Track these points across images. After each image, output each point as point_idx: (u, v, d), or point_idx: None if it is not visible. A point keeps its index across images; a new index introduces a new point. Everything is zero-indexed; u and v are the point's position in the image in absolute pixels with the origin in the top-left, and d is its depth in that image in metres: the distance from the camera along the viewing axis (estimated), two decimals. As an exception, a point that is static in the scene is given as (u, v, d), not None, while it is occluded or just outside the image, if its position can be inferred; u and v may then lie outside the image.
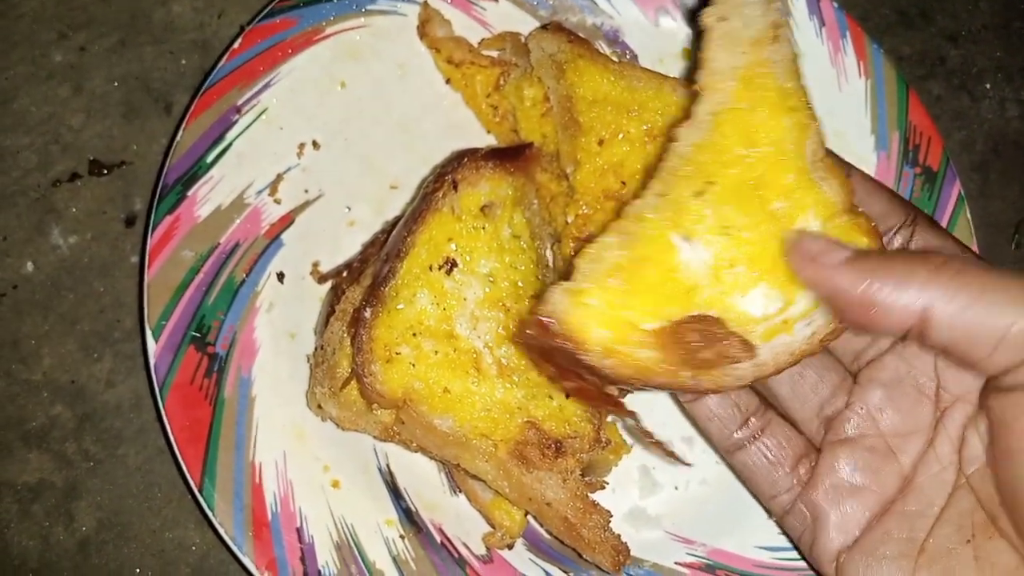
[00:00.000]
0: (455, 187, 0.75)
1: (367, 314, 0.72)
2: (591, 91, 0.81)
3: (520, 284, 0.75)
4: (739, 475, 0.72)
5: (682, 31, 0.93)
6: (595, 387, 0.60)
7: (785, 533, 0.73)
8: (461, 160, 0.76)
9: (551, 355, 0.58)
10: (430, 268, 0.73)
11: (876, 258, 0.55)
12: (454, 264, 0.74)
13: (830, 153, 0.61)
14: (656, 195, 0.59)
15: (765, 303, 0.57)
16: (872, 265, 0.54)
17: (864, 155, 0.89)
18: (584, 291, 0.56)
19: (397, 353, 0.72)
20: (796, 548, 0.71)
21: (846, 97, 0.91)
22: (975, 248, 0.86)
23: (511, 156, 0.78)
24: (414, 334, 0.72)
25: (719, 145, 0.59)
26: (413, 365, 0.71)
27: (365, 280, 0.77)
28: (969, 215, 0.88)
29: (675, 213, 0.58)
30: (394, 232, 0.77)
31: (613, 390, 0.63)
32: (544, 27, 0.86)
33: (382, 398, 0.72)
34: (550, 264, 0.80)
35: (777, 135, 0.59)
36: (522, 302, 0.75)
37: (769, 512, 0.72)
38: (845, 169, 0.67)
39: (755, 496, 0.72)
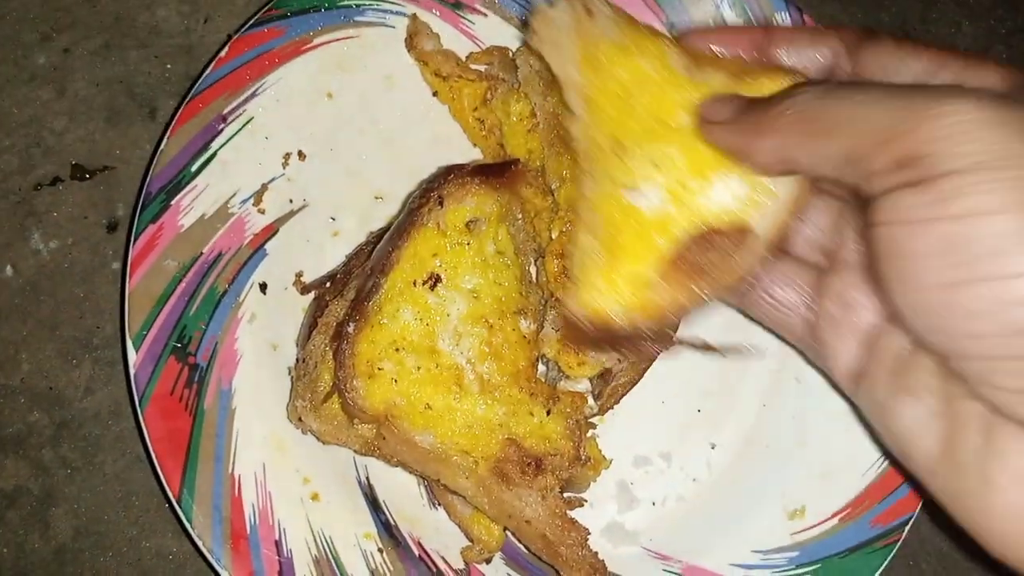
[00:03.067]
0: (441, 203, 0.75)
1: (350, 329, 0.72)
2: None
3: (503, 300, 0.75)
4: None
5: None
6: (649, 342, 0.66)
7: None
8: (447, 176, 0.76)
9: (601, 343, 0.67)
10: (414, 283, 0.73)
11: (754, 104, 0.56)
12: (438, 279, 0.74)
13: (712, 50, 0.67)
14: (588, 176, 0.65)
15: (730, 189, 0.61)
16: (749, 113, 0.56)
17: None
18: (588, 281, 0.64)
19: (379, 368, 0.72)
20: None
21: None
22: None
23: (497, 172, 0.78)
24: (397, 349, 0.72)
25: (605, 113, 0.65)
26: (395, 381, 0.72)
27: (349, 293, 0.77)
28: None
29: (610, 179, 0.64)
30: (379, 247, 0.77)
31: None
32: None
33: (364, 413, 0.72)
34: (533, 280, 0.80)
35: (641, 75, 0.64)
36: (505, 318, 0.75)
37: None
38: (754, 33, 0.67)
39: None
